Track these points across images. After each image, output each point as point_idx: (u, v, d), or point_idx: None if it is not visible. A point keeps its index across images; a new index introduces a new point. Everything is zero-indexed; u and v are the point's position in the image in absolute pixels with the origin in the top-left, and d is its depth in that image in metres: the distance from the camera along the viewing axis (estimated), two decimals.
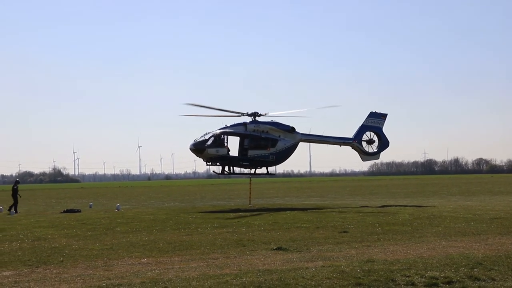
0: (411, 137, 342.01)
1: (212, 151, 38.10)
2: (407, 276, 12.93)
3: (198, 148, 38.28)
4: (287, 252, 17.30)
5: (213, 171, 41.28)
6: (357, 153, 43.09)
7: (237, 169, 40.46)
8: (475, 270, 13.58)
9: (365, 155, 42.91)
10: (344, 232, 22.18)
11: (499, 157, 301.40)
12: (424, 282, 12.42)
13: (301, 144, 41.61)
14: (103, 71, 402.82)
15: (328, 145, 42.56)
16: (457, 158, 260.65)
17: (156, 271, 14.46)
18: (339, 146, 42.37)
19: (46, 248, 19.32)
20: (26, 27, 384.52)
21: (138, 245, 19.77)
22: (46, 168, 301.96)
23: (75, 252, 18.33)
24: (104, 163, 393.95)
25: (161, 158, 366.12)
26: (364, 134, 42.54)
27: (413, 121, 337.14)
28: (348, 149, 42.72)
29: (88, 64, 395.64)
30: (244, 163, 39.47)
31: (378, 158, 43.74)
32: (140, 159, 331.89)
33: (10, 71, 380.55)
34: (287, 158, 40.63)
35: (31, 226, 28.05)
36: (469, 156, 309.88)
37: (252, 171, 40.63)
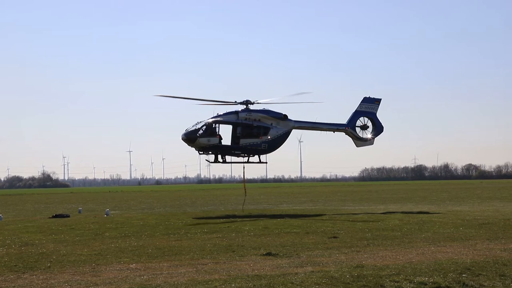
0: (402, 143, 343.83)
1: (203, 140, 37.86)
2: (396, 282, 12.94)
3: (190, 138, 38.01)
4: (276, 257, 17.27)
5: (206, 160, 40.99)
6: (351, 139, 42.63)
7: (232, 158, 40.08)
8: (463, 275, 13.63)
9: (359, 141, 42.50)
10: (334, 237, 22.19)
11: (488, 163, 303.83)
12: (413, 287, 12.43)
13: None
14: (93, 75, 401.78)
15: (322, 131, 42.04)
16: (447, 164, 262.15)
17: (145, 276, 14.38)
18: (332, 132, 42.14)
19: (34, 254, 19.17)
20: (15, 30, 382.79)
21: (127, 250, 19.66)
22: (36, 172, 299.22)
23: (62, 257, 18.19)
24: (94, 168, 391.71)
25: (152, 163, 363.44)
26: (358, 120, 42.20)
27: (404, 127, 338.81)
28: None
29: (78, 68, 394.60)
30: (236, 152, 39.19)
31: (372, 143, 43.04)
32: (130, 164, 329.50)
33: None
34: (280, 146, 40.35)
35: (18, 231, 27.83)
36: (458, 162, 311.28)
37: (245, 159, 40.23)
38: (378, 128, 42.67)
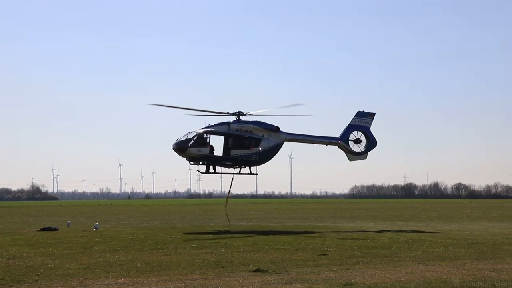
0: (392, 161, 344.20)
1: (194, 150, 37.65)
2: None
3: (180, 147, 37.84)
4: (265, 274, 17.24)
5: (197, 170, 40.68)
6: (344, 153, 42.42)
7: (223, 169, 39.61)
8: None
9: (352, 155, 42.40)
10: (323, 254, 22.19)
11: (477, 183, 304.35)
12: None
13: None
14: (85, 88, 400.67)
15: (314, 144, 41.88)
16: (437, 183, 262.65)
17: None
18: (325, 145, 42.01)
19: (21, 267, 19.02)
20: (7, 41, 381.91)
21: (116, 264, 19.55)
22: (25, 185, 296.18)
23: (50, 271, 18.06)
24: (84, 181, 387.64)
25: (142, 177, 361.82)
26: (351, 134, 42.17)
27: (394, 145, 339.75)
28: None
29: (69, 80, 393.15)
30: (227, 163, 38.99)
31: (365, 158, 42.98)
32: (120, 178, 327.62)
33: None
34: (271, 158, 40.17)
35: (6, 244, 27.60)
36: (448, 181, 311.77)
37: (236, 170, 39.74)
38: (371, 143, 42.67)
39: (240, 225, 43.19)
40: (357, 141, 42.36)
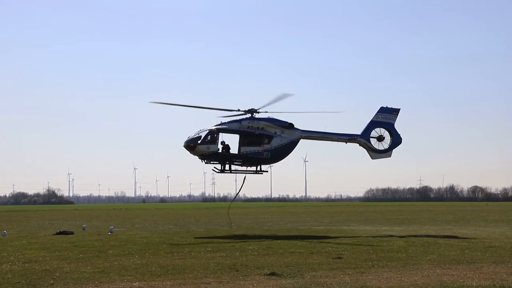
0: (407, 164, 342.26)
1: (203, 148, 37.24)
2: None
3: (190, 145, 37.51)
4: (280, 277, 17.18)
5: (212, 169, 39.92)
6: (365, 150, 40.86)
7: (238, 168, 38.87)
8: None
9: (374, 153, 40.79)
10: (339, 258, 22.07)
11: (494, 185, 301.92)
12: None
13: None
14: (99, 92, 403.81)
15: (332, 142, 40.58)
16: (453, 186, 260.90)
17: None
18: (344, 143, 40.60)
19: (37, 271, 19.14)
20: (20, 45, 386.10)
21: (131, 268, 19.60)
22: (41, 189, 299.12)
23: (66, 275, 18.15)
24: (99, 185, 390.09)
25: (157, 180, 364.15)
26: (373, 131, 40.59)
27: (409, 148, 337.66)
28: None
29: (84, 85, 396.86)
30: (237, 161, 38.30)
31: (389, 156, 41.18)
32: (135, 182, 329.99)
33: (5, 90, 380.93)
34: (285, 155, 39.11)
35: (22, 248, 27.81)
36: (464, 184, 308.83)
37: (253, 169, 39.00)
38: (395, 140, 40.79)
39: (255, 229, 43.13)
40: (380, 138, 40.67)
